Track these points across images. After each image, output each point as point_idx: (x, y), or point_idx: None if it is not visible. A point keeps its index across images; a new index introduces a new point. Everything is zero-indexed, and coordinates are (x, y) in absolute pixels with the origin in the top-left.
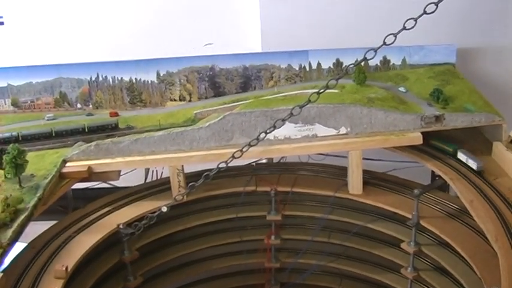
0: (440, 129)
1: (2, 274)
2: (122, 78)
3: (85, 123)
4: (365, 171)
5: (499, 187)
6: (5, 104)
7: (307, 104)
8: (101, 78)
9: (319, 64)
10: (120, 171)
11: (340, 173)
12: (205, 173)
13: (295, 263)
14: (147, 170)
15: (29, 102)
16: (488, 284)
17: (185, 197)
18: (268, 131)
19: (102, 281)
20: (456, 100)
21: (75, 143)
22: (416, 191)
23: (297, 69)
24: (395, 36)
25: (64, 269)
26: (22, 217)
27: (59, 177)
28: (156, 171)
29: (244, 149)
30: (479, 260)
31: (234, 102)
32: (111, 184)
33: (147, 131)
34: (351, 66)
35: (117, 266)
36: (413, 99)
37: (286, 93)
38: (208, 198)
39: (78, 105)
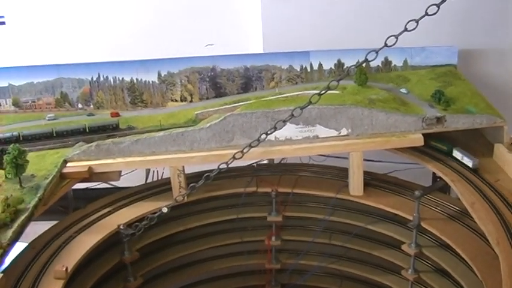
0: (442, 130)
1: (2, 274)
2: (123, 78)
3: (86, 123)
4: (366, 173)
5: (500, 189)
6: (6, 104)
7: (308, 105)
8: (102, 79)
9: (320, 65)
10: (120, 171)
11: (341, 174)
12: (206, 174)
13: (295, 264)
14: (147, 171)
15: (30, 102)
16: (489, 286)
17: (186, 197)
18: (269, 132)
19: (102, 282)
20: (458, 102)
21: (76, 143)
22: (417, 193)
23: (298, 70)
24: (397, 38)
25: (64, 269)
26: (22, 217)
27: (60, 178)
28: (157, 171)
29: (245, 150)
30: (480, 262)
31: (235, 103)
32: (111, 184)
33: (147, 132)
34: (352, 67)
35: (117, 267)
36: (415, 101)
37: (287, 94)
38: (208, 199)
39: (79, 106)
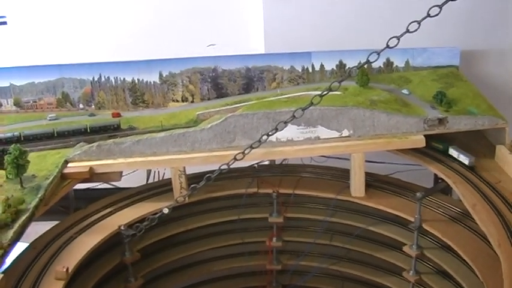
0: (443, 132)
1: (2, 275)
2: (124, 78)
3: (87, 123)
4: (367, 174)
5: (502, 190)
6: (8, 104)
7: (309, 107)
8: (103, 79)
9: (322, 66)
10: (121, 172)
11: (343, 176)
12: (207, 175)
13: (296, 265)
14: (148, 171)
15: (31, 102)
16: (490, 287)
17: (187, 198)
18: (270, 133)
19: (103, 282)
20: (459, 103)
21: (77, 143)
22: (418, 194)
23: (300, 70)
24: (399, 39)
25: (65, 270)
26: (23, 218)
27: (61, 178)
28: (158, 172)
29: (246, 151)
30: (481, 264)
31: (236, 104)
32: (112, 185)
33: (149, 132)
34: (354, 68)
35: (118, 268)
36: (417, 102)
37: (289, 95)
38: (209, 200)
39: (81, 106)
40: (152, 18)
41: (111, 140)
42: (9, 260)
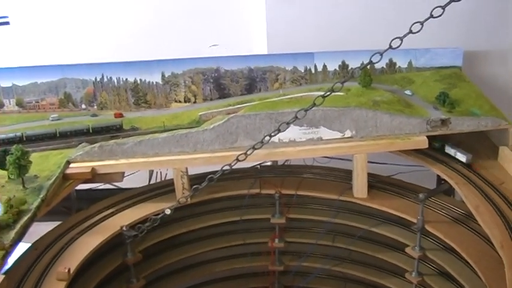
0: (446, 133)
1: (3, 276)
2: (126, 79)
3: (89, 124)
4: (370, 175)
5: (505, 192)
6: (10, 104)
7: (312, 108)
8: (105, 79)
9: (324, 66)
10: (123, 172)
11: (345, 177)
12: (210, 176)
13: (299, 266)
14: (151, 172)
15: (33, 102)
16: None
17: (189, 199)
18: (272, 134)
19: (105, 283)
20: (462, 104)
21: (79, 143)
22: (421, 196)
23: (303, 71)
24: (402, 40)
25: (66, 271)
26: (25, 218)
27: (63, 179)
28: (160, 172)
29: (248, 152)
30: (484, 266)
31: (239, 104)
32: (114, 185)
33: (151, 133)
34: (357, 69)
35: (120, 268)
36: (419, 103)
37: (291, 96)
38: (212, 201)
39: (83, 106)
40: (154, 18)
41: (113, 141)
42: (11, 261)
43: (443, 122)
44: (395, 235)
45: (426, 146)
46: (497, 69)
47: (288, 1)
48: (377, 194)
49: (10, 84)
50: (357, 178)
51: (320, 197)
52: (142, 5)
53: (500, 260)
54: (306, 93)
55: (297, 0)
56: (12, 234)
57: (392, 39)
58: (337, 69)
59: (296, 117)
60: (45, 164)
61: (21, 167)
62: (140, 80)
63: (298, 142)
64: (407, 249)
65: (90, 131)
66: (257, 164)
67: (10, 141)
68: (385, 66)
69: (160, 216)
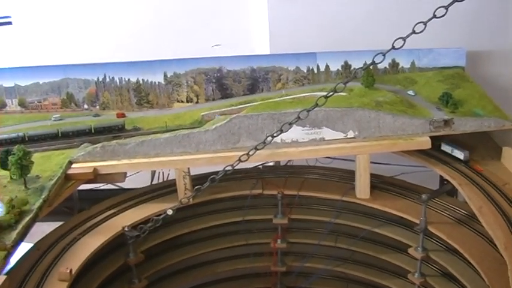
0: (449, 133)
1: (5, 276)
2: (129, 79)
3: (92, 124)
4: (373, 175)
5: (509, 193)
6: (12, 104)
7: (314, 108)
8: (108, 79)
9: (327, 66)
10: (125, 173)
11: (348, 177)
12: (212, 176)
13: (301, 267)
14: (153, 172)
15: (36, 102)
16: None
17: (191, 199)
18: (275, 135)
19: (107, 284)
20: (465, 104)
21: (82, 144)
22: (424, 196)
23: (305, 71)
24: (405, 40)
25: (68, 271)
26: (27, 219)
27: (65, 179)
28: (162, 173)
29: (250, 153)
30: (487, 267)
31: (241, 104)
32: (116, 186)
33: (153, 133)
34: (360, 69)
35: (122, 269)
36: (422, 103)
37: (294, 96)
38: (214, 201)
39: (85, 106)
40: (157, 18)
41: (115, 141)
42: (13, 261)
43: (446, 123)
44: (398, 236)
45: (429, 146)
46: (501, 69)
47: (290, 1)
48: (380, 194)
49: (12, 84)
50: (360, 179)
51: (322, 197)
52: (144, 5)
53: (502, 260)
54: (309, 94)
55: (299, 0)
56: (14, 234)
57: (395, 40)
58: (340, 69)
59: (298, 117)
60: (47, 164)
61: (23, 167)
62: (142, 80)
63: (301, 142)
64: (410, 250)
65: (92, 131)
66: (259, 165)
67: (12, 142)
68: (388, 67)
69: (162, 216)
